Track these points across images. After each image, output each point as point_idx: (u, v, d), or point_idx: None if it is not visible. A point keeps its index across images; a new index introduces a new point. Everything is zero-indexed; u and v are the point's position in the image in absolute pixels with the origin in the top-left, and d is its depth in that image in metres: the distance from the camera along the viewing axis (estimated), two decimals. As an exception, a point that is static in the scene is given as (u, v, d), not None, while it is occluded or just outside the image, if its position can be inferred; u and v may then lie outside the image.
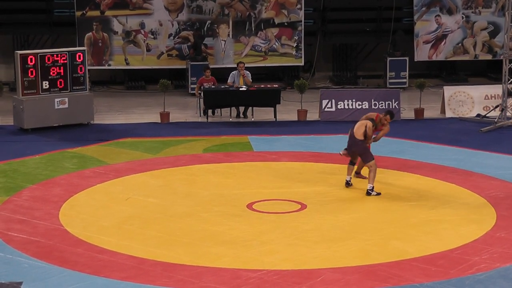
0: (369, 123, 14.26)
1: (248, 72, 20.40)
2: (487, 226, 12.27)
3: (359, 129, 14.21)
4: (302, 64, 24.17)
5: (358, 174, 14.72)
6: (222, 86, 20.19)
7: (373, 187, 13.90)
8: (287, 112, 20.43)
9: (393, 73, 23.41)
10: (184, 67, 23.30)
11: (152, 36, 23.38)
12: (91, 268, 10.74)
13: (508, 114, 19.33)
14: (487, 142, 17.67)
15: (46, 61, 18.94)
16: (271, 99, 19.91)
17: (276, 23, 23.74)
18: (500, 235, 11.93)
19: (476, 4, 24.10)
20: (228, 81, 20.31)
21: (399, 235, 11.96)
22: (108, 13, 23.16)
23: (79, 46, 21.99)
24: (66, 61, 19.11)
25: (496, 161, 16.01)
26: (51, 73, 18.99)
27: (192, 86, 22.36)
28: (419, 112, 20.19)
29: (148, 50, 23.40)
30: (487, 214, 12.82)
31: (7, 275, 10.49)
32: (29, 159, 16.29)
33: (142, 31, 23.32)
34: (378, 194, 13.90)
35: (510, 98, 19.36)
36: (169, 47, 23.47)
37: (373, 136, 14.49)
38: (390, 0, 23.95)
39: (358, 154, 14.28)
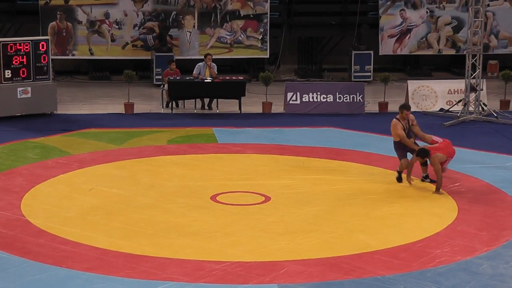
0: (395, 123, 14.12)
1: (214, 64, 20.35)
2: (449, 220, 12.39)
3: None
4: (268, 56, 24.18)
5: (425, 178, 14.24)
6: (187, 78, 20.14)
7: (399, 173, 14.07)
8: (252, 104, 20.44)
9: (358, 66, 23.52)
10: (149, 58, 23.18)
11: (117, 26, 23.22)
12: (53, 259, 10.66)
13: (470, 108, 19.52)
14: (449, 136, 17.68)
15: (9, 50, 18.74)
16: (236, 91, 19.90)
17: (242, 15, 23.71)
18: (462, 228, 12.06)
19: (440, -1, 24.31)
20: (194, 72, 20.25)
21: (362, 228, 12.03)
22: (72, 2, 22.95)
23: (42, 35, 21.76)
24: (29, 50, 18.93)
25: (458, 155, 16.11)
26: (13, 62, 18.78)
27: (157, 77, 22.28)
28: (383, 105, 20.32)
29: (113, 40, 23.24)
30: (449, 208, 12.94)
31: (-32, 265, 10.38)
32: (-9, 148, 16.13)
33: (106, 21, 23.15)
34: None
35: (473, 93, 19.56)
36: (134, 38, 23.34)
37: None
38: (356, -6, 24.06)
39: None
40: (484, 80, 20.34)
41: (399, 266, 10.64)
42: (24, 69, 18.91)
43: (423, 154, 13.66)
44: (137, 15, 23.28)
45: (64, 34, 22.96)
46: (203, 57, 20.68)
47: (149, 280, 10.08)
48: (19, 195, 13.20)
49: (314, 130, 18.16)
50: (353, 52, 23.52)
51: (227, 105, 20.22)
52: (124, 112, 19.68)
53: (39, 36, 21.51)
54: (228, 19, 23.67)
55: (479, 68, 19.52)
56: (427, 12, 24.29)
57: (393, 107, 20.48)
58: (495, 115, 19.30)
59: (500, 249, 11.27)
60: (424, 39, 24.37)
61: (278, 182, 14.15)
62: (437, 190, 13.54)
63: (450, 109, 19.96)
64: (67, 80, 23.52)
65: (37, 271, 10.28)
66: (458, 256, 10.98)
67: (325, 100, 20.01)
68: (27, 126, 18.15)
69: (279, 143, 16.94)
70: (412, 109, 20.24)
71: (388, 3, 24.12)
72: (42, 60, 19.10)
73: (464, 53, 20.41)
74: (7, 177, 14.22)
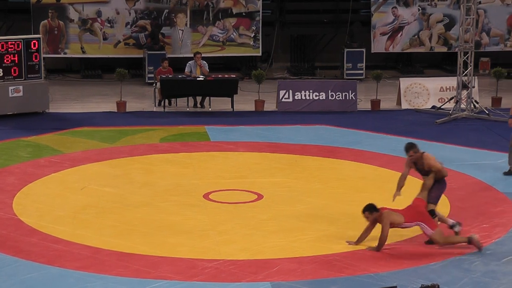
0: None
1: (205, 62, 20.34)
2: (441, 217, 12.40)
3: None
4: (260, 54, 24.16)
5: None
6: (179, 76, 20.13)
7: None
8: (244, 102, 20.43)
9: (350, 64, 23.52)
10: (141, 56, 23.14)
11: (109, 25, 23.17)
12: (46, 257, 10.64)
13: (462, 106, 19.56)
14: (441, 133, 17.86)
15: (0, 48, 18.68)
16: (228, 89, 19.88)
17: (234, 13, 23.69)
18: (454, 225, 12.08)
19: (432, -4, 24.34)
20: (185, 70, 20.23)
21: (354, 225, 12.02)
22: (64, 0, 22.88)
23: (34, 34, 21.69)
24: (20, 49, 18.87)
25: (450, 152, 16.19)
26: (5, 60, 18.74)
27: (149, 75, 22.24)
28: (375, 103, 20.33)
29: (105, 38, 23.19)
30: (441, 205, 12.92)
31: (-40, 265, 10.36)
32: (-17, 147, 16.08)
33: (98, 19, 23.10)
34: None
35: (465, 90, 19.58)
36: (126, 36, 23.29)
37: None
38: (348, -8, 24.07)
39: None
40: (476, 77, 20.36)
41: (392, 263, 10.66)
42: (15, 67, 18.85)
43: (366, 209, 11.20)
44: (129, 13, 23.24)
45: (56, 32, 22.90)
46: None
47: (141, 279, 10.07)
48: (11, 194, 13.17)
49: (306, 128, 18.16)
50: (346, 50, 23.51)
51: (219, 103, 20.21)
52: (116, 111, 19.65)
53: (31, 34, 21.46)
54: (220, 17, 23.64)
55: (470, 66, 19.54)
56: (419, 10, 24.30)
57: (385, 105, 20.51)
58: (487, 112, 19.33)
59: (492, 246, 11.30)
60: (416, 36, 24.38)
61: (271, 180, 14.15)
62: (376, 248, 11.01)
63: (442, 107, 19.99)
64: (59, 79, 23.46)
65: (29, 270, 10.26)
66: (451, 253, 11.00)
67: (317, 98, 20.02)
68: (19, 125, 18.11)
69: (272, 141, 16.94)
70: (405, 107, 20.46)
71: (380, 0, 24.13)
72: (33, 59, 19.05)
73: (456, 51, 20.43)
74: (-1, 176, 14.20)
